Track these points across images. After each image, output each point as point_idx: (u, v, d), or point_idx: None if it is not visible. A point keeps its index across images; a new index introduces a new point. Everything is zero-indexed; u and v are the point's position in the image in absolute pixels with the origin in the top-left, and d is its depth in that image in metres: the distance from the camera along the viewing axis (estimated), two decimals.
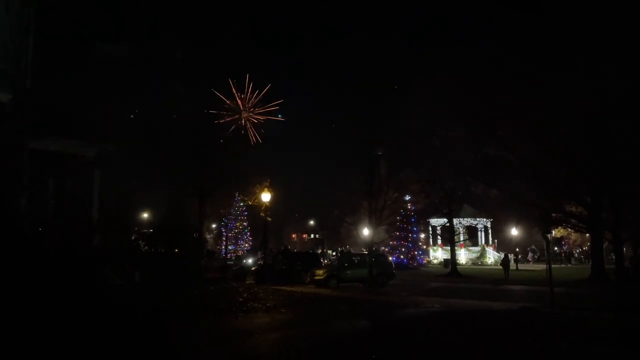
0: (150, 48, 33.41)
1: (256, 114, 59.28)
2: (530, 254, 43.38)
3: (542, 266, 35.18)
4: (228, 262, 33.84)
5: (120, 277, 17.50)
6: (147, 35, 35.16)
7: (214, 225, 58.04)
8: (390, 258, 37.22)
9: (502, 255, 36.66)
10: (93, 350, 8.72)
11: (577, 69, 25.04)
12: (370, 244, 25.65)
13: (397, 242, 45.04)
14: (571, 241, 54.68)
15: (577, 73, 25.08)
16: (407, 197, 39.90)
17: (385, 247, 44.30)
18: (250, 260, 38.36)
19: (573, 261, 49.34)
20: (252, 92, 59.86)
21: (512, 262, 40.80)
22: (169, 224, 18.56)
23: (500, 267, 33.33)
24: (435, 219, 45.29)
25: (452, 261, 35.66)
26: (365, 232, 25.83)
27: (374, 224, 24.92)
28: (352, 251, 43.73)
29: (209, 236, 51.79)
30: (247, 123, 58.09)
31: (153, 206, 36.73)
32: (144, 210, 42.43)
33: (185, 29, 32.32)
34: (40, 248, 14.42)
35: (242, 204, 54.47)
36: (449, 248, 37.65)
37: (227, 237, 47.39)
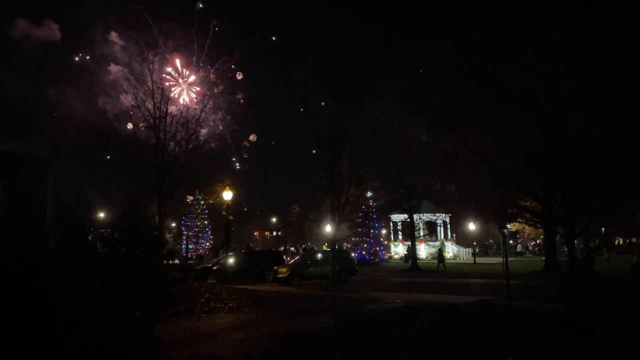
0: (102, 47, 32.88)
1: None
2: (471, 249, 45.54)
3: (498, 259, 36.28)
4: (189, 262, 33.32)
5: (77, 280, 16.97)
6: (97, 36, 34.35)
7: (173, 224, 56.94)
8: (353, 254, 37.51)
9: (457, 249, 37.59)
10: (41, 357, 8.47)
11: (528, 65, 25.71)
12: (332, 241, 25.73)
13: (359, 239, 45.33)
14: (526, 234, 56.54)
15: (530, 69, 25.74)
16: (369, 194, 40.22)
17: (348, 243, 44.58)
18: (212, 260, 37.87)
19: (527, 254, 51.01)
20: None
21: (469, 256, 42.28)
22: (127, 224, 18.09)
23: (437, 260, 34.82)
24: (396, 215, 45.90)
25: (412, 256, 36.27)
26: (328, 228, 25.90)
27: (337, 221, 24.99)
28: (314, 248, 43.90)
29: (168, 235, 50.66)
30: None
31: (111, 206, 35.77)
32: (101, 211, 41.31)
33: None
34: None
35: (202, 202, 53.48)
36: (410, 243, 38.29)
37: (187, 236, 46.61)
